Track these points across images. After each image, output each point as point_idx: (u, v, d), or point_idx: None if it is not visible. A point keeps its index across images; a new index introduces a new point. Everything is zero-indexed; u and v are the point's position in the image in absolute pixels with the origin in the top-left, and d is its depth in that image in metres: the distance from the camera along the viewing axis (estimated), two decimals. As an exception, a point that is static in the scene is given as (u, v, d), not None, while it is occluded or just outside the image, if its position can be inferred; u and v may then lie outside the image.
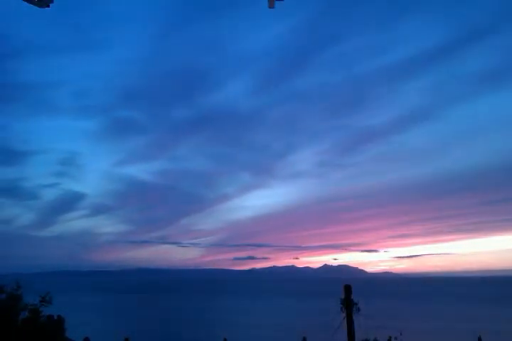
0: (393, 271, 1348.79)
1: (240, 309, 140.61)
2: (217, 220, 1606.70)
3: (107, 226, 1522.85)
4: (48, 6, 10.38)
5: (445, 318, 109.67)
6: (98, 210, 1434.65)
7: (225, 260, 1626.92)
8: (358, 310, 21.64)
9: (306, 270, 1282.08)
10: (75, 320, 47.31)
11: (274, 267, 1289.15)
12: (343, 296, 21.82)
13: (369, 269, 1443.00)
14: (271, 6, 11.16)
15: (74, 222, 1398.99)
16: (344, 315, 21.67)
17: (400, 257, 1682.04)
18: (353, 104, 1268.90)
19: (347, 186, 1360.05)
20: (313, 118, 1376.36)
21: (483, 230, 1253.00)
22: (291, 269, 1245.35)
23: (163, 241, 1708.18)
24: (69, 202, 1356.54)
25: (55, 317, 31.49)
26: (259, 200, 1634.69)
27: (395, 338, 28.06)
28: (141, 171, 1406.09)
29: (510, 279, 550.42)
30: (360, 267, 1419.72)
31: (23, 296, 29.65)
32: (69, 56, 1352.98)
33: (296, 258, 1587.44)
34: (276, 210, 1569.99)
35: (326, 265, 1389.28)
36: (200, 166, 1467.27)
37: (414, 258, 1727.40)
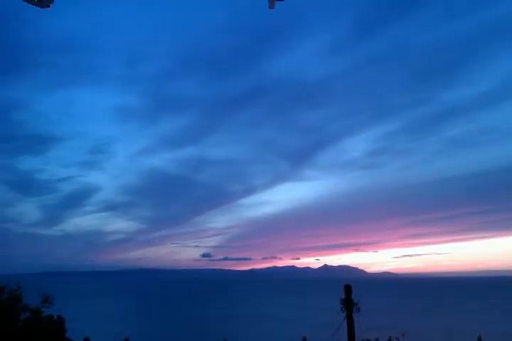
0: (393, 271, 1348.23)
1: (239, 309, 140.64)
2: (233, 217, 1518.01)
3: (117, 224, 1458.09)
4: (48, 6, 10.38)
5: (445, 318, 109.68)
6: (111, 207, 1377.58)
7: (227, 260, 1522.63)
8: (358, 310, 21.63)
9: (307, 270, 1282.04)
10: (75, 320, 47.30)
11: (274, 267, 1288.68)
12: (343, 296, 21.82)
13: (370, 269, 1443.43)
14: (271, 6, 11.16)
15: (84, 220, 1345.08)
16: (344, 315, 21.66)
17: (404, 256, 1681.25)
18: (438, 73, 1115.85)
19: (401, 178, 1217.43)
20: (386, 90, 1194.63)
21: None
22: (292, 269, 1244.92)
23: (170, 240, 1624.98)
24: (82, 198, 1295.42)
25: (55, 318, 31.52)
26: (287, 194, 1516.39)
27: (396, 338, 28.08)
28: (165, 160, 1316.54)
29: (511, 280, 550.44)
30: (360, 267, 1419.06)
31: (26, 297, 29.74)
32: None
33: (297, 259, 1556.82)
34: (300, 207, 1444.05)
35: (325, 265, 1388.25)
36: (233, 153, 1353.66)
37: (415, 257, 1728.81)
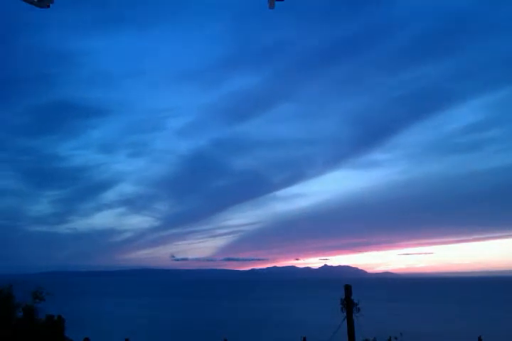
0: (394, 272, 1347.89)
1: (239, 309, 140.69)
2: (257, 213, 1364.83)
3: (131, 220, 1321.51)
4: (48, 6, 10.36)
5: (445, 319, 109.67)
6: (130, 201, 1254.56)
7: (228, 261, 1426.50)
8: (358, 310, 21.66)
9: (307, 270, 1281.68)
10: (75, 321, 47.32)
11: (275, 267, 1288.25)
12: (343, 296, 21.84)
13: (371, 270, 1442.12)
14: (271, 6, 11.17)
15: (97, 217, 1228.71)
16: (344, 315, 21.67)
17: (405, 256, 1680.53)
18: None
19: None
20: None
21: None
22: (292, 270, 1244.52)
23: (179, 239, 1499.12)
24: (102, 190, 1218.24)
25: (55, 318, 31.49)
26: (333, 185, 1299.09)
27: (395, 338, 28.06)
28: (207, 140, 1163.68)
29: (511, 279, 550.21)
30: (361, 267, 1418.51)
31: (22, 297, 29.61)
32: None
33: (297, 259, 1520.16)
34: (339, 201, 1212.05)
35: (326, 265, 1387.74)
36: (280, 135, 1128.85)
37: (415, 258, 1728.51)
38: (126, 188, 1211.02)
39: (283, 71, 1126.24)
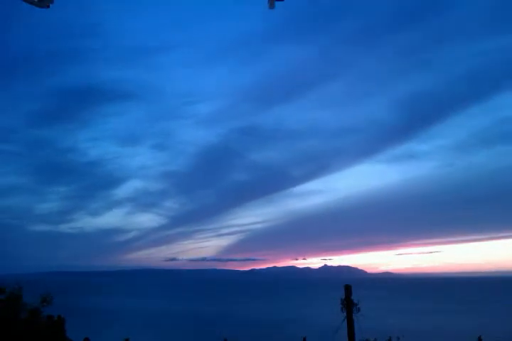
0: (394, 272, 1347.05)
1: (239, 309, 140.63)
2: (268, 211, 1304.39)
3: (138, 219, 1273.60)
4: (48, 6, 10.36)
5: (445, 319, 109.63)
6: (139, 198, 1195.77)
7: (228, 261, 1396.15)
8: (358, 310, 21.65)
9: (307, 270, 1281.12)
10: (75, 321, 47.31)
11: (274, 267, 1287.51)
12: (343, 296, 21.84)
13: (371, 270, 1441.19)
14: (271, 6, 11.17)
15: (104, 215, 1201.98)
16: (344, 315, 21.67)
17: (405, 256, 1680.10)
18: None
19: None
20: None
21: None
22: (292, 270, 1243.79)
23: (183, 239, 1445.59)
24: (110, 187, 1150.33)
25: (56, 318, 31.49)
26: (347, 182, 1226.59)
27: (398, 338, 28.05)
28: (228, 130, 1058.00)
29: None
30: (361, 267, 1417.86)
31: (32, 297, 29.79)
32: None
33: (304, 259, 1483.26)
34: (358, 198, 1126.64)
35: (326, 266, 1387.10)
36: (312, 123, 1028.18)
37: (415, 258, 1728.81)
38: (138, 184, 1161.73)
39: (330, 46, 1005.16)
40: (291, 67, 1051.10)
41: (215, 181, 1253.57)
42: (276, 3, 11.19)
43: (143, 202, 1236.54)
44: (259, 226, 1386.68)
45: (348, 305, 21.51)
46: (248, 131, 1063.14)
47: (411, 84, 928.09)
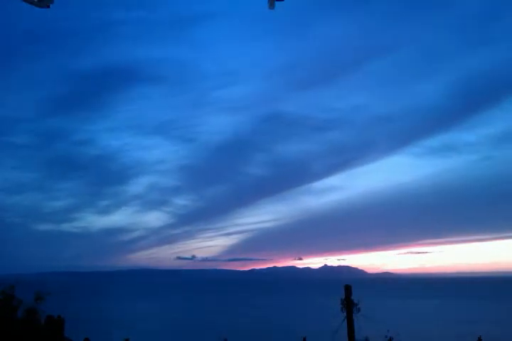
0: (394, 272, 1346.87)
1: (239, 309, 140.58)
2: (281, 209, 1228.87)
3: (146, 217, 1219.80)
4: (48, 7, 10.35)
5: (446, 319, 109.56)
6: (151, 195, 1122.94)
7: (228, 261, 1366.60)
8: (359, 310, 21.65)
9: (307, 270, 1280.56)
10: (75, 321, 47.28)
11: (275, 268, 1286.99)
12: (343, 296, 21.84)
13: (370, 270, 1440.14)
14: (271, 7, 11.16)
15: (114, 214, 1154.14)
16: (344, 315, 21.67)
17: (405, 256, 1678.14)
18: None
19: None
20: None
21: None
22: (292, 270, 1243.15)
23: (187, 238, 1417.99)
24: (119, 183, 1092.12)
25: (56, 318, 31.50)
26: (372, 178, 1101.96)
27: (396, 339, 28.07)
28: (255, 118, 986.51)
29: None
30: (361, 267, 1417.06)
31: (29, 297, 29.87)
32: None
33: (300, 259, 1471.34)
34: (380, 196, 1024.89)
35: (326, 266, 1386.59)
36: (346, 109, 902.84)
37: (415, 258, 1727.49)
38: (151, 179, 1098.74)
39: (381, 15, 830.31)
40: (333, 45, 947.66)
41: (231, 176, 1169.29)
42: (277, 4, 11.18)
43: (153, 199, 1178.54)
44: (267, 225, 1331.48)
45: (348, 305, 21.51)
46: (275, 120, 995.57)
47: (464, 63, 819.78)
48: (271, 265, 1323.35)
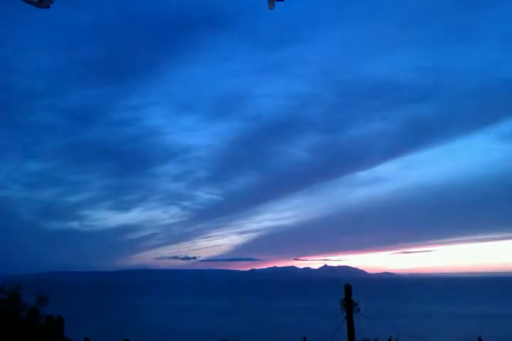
0: (394, 272, 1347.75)
1: (239, 309, 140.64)
2: (297, 205, 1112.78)
3: (163, 215, 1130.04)
4: (48, 7, 10.34)
5: (445, 319, 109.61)
6: (167, 192, 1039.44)
7: (228, 261, 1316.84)
8: (359, 310, 21.65)
9: (307, 270, 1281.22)
10: (76, 321, 47.28)
11: (275, 268, 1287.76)
12: (343, 297, 21.83)
13: (370, 270, 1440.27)
14: (271, 7, 11.16)
15: (131, 211, 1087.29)
16: (344, 315, 21.66)
17: (404, 256, 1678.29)
18: None
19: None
20: None
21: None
22: (292, 270, 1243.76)
23: (202, 234, 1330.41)
24: (141, 175, 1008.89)
25: (55, 318, 31.51)
26: (433, 165, 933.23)
27: (396, 339, 28.10)
28: (288, 102, 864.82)
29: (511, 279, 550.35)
30: (361, 267, 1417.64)
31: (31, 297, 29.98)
32: None
33: (300, 259, 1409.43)
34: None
35: (326, 266, 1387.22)
36: (426, 76, 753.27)
37: (415, 258, 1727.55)
38: (176, 169, 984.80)
39: None
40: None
41: (266, 163, 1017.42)
42: (277, 4, 11.18)
43: (175, 192, 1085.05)
44: (285, 222, 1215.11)
45: (348, 306, 21.50)
46: (342, 89, 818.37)
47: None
48: (271, 265, 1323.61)
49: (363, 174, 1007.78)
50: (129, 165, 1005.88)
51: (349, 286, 22.02)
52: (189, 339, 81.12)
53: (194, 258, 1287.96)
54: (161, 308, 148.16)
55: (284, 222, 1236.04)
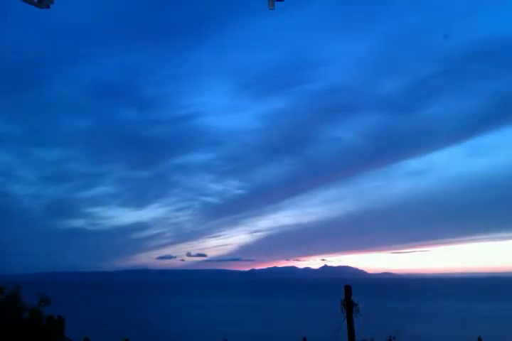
0: (394, 272, 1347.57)
1: (239, 309, 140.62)
2: (317, 202, 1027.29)
3: (176, 213, 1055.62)
4: (48, 7, 10.37)
5: (445, 319, 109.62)
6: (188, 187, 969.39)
7: (228, 261, 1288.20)
8: (358, 310, 21.66)
9: (307, 270, 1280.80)
10: (76, 321, 47.27)
11: (275, 268, 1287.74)
12: (343, 297, 21.84)
13: (370, 270, 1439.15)
14: (271, 7, 11.16)
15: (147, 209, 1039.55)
16: (344, 315, 21.66)
17: (403, 256, 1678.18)
18: None
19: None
20: None
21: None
22: (292, 270, 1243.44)
23: (210, 233, 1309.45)
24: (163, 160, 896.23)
25: (56, 318, 31.52)
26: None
27: (394, 338, 28.07)
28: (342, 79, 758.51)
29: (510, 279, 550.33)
30: (361, 268, 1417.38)
31: (29, 297, 30.06)
32: None
33: (300, 260, 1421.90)
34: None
35: (326, 266, 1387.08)
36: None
37: (415, 258, 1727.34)
38: (203, 160, 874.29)
39: None
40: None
41: (305, 150, 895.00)
42: (277, 4, 11.19)
43: (194, 187, 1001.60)
44: (306, 219, 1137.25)
45: (348, 306, 21.50)
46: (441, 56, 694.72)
47: None
48: (271, 265, 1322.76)
49: (412, 163, 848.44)
50: (153, 154, 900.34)
51: (349, 286, 22.03)
52: (189, 338, 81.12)
53: (204, 255, 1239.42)
54: (160, 308, 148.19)
55: (306, 219, 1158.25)
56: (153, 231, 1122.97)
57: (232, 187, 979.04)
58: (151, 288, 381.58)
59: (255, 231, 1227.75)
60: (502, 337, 72.20)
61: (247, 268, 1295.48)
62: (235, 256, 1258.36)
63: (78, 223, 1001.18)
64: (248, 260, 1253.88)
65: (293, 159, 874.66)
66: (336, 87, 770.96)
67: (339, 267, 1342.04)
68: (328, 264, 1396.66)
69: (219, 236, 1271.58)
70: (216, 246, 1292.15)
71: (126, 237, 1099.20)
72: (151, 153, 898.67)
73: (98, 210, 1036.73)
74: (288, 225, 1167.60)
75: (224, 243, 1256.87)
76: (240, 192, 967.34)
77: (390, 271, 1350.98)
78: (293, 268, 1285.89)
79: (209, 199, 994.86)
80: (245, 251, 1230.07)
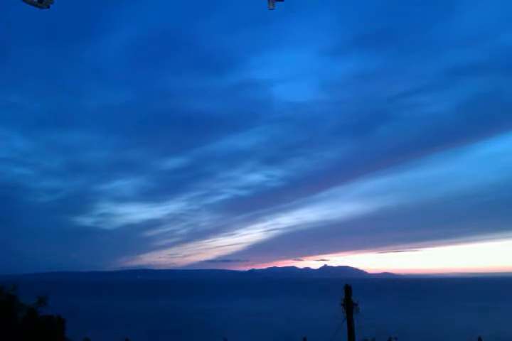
0: (394, 272, 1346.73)
1: (239, 309, 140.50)
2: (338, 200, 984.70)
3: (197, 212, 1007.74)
4: (48, 7, 10.38)
5: (445, 319, 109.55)
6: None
7: (228, 261, 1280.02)
8: (358, 310, 21.67)
9: (307, 271, 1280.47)
10: (76, 321, 47.28)
11: (274, 268, 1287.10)
12: (343, 297, 21.85)
13: (370, 270, 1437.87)
14: (271, 7, 11.18)
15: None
16: (344, 315, 21.68)
17: (403, 256, 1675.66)
18: None
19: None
20: None
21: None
22: (291, 270, 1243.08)
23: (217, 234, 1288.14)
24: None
25: (55, 318, 31.52)
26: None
27: (395, 338, 28.09)
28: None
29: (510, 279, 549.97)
30: (361, 268, 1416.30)
31: (26, 297, 30.05)
32: None
33: (300, 260, 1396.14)
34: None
35: (326, 266, 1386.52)
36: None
37: (415, 258, 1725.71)
38: (243, 145, 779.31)
39: None
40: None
41: (365, 135, 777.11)
42: (277, 4, 11.20)
43: (224, 178, 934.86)
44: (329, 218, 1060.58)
45: (348, 306, 21.51)
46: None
47: None
48: (271, 265, 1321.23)
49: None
50: (187, 138, 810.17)
51: (349, 286, 22.05)
52: (188, 339, 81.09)
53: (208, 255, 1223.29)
54: (160, 308, 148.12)
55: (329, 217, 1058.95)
56: (163, 230, 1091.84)
57: (265, 176, 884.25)
58: (151, 288, 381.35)
59: (270, 230, 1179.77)
60: (502, 337, 72.18)
61: (247, 268, 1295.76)
62: (236, 257, 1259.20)
63: (87, 221, 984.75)
64: (246, 260, 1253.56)
65: (351, 140, 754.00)
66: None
67: (339, 267, 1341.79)
68: (328, 264, 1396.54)
69: (232, 234, 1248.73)
70: (222, 246, 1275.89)
71: (131, 236, 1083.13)
72: (181, 138, 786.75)
73: (110, 206, 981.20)
74: (288, 226, 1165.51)
75: (236, 242, 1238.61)
76: (271, 184, 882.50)
77: (390, 271, 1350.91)
78: (293, 268, 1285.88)
79: (235, 191, 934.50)
80: (245, 252, 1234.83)
